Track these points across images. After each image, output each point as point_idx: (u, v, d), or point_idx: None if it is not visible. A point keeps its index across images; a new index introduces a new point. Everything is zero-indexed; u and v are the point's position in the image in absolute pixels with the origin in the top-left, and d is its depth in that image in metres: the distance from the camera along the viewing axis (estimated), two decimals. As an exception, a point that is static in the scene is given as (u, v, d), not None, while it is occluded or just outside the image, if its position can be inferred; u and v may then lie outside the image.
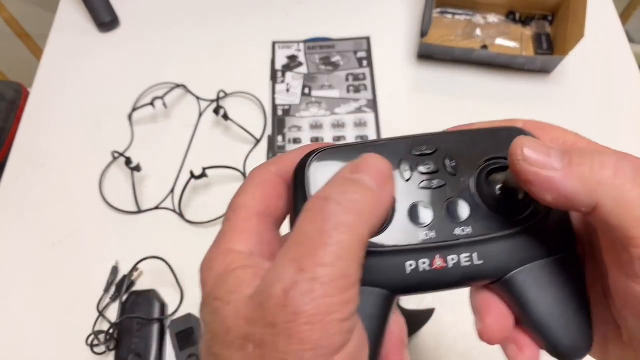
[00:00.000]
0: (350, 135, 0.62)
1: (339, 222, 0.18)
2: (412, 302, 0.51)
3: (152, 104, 0.63)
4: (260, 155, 0.62)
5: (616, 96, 0.65)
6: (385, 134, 0.62)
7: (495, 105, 0.64)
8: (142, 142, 0.63)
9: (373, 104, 0.65)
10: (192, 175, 0.56)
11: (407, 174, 0.22)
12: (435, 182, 0.22)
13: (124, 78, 0.68)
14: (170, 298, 0.53)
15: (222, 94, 0.65)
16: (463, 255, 0.21)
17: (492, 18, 0.70)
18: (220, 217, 0.56)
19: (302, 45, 0.70)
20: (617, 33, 0.70)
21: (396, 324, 0.22)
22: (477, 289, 0.23)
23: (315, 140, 0.62)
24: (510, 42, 0.68)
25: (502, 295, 0.22)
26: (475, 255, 0.21)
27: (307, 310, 0.16)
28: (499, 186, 0.22)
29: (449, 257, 0.21)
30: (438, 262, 0.21)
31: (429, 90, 0.66)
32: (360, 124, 0.63)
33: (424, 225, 0.21)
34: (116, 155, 0.61)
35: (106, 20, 0.72)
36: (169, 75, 0.67)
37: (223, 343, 0.18)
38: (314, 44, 0.70)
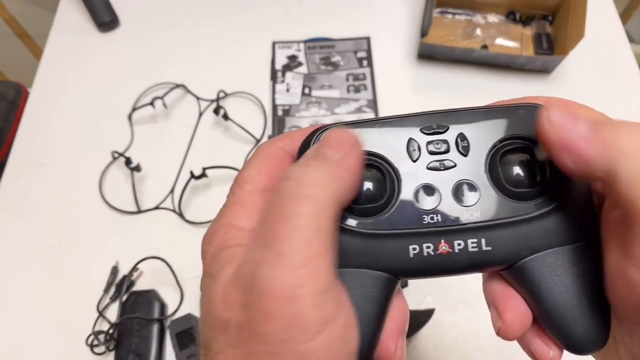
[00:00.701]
0: (350, 135, 0.62)
1: (298, 196, 0.18)
2: (412, 302, 0.51)
3: (152, 103, 0.63)
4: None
5: (616, 96, 0.64)
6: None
7: (496, 105, 0.64)
8: (142, 142, 0.63)
9: (373, 104, 0.65)
10: (192, 175, 0.56)
11: (415, 154, 0.21)
12: (444, 163, 0.21)
13: (123, 78, 0.68)
14: (170, 298, 0.53)
15: (222, 94, 0.65)
16: (470, 241, 0.20)
17: (492, 18, 0.70)
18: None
19: (302, 45, 0.70)
20: (617, 33, 0.69)
21: (397, 310, 0.22)
22: (490, 278, 0.22)
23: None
24: (510, 42, 0.68)
25: (514, 283, 0.21)
26: (483, 241, 0.20)
27: (276, 285, 0.16)
28: (513, 168, 0.21)
29: (455, 242, 0.20)
30: (443, 246, 0.20)
31: (429, 90, 0.66)
32: (360, 124, 0.63)
33: (430, 208, 0.20)
34: (116, 155, 0.61)
35: (106, 20, 0.72)
36: (168, 75, 0.67)
37: (209, 324, 0.18)
38: (314, 43, 0.70)
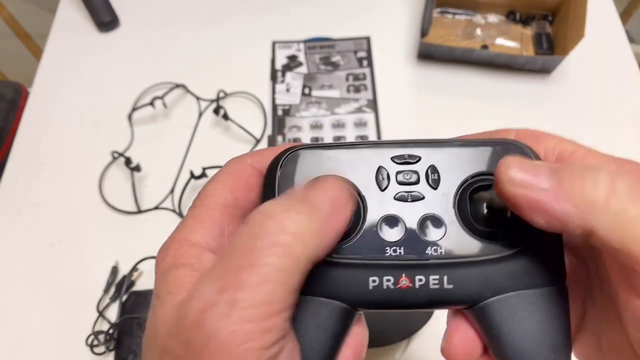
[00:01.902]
0: (350, 135, 0.62)
1: (273, 242, 0.16)
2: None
3: (151, 103, 0.63)
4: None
5: (616, 96, 0.64)
6: (385, 134, 0.62)
7: (496, 105, 0.64)
8: (142, 142, 0.63)
9: (373, 104, 0.65)
10: (192, 175, 0.56)
11: (383, 183, 0.20)
12: (412, 195, 0.20)
13: (123, 78, 0.68)
14: (170, 298, 0.53)
15: (222, 94, 0.65)
16: (432, 277, 0.19)
17: (493, 18, 0.70)
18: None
19: (302, 45, 0.70)
20: (617, 33, 0.69)
21: (355, 337, 0.21)
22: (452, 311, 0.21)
23: (315, 140, 0.62)
24: (510, 42, 0.68)
25: (474, 321, 0.20)
26: (445, 278, 0.19)
27: (221, 335, 0.15)
28: (483, 206, 0.20)
29: (417, 277, 0.19)
30: (404, 281, 0.19)
31: (429, 90, 0.66)
32: (360, 124, 0.63)
33: (393, 240, 0.20)
34: (116, 155, 0.61)
35: (106, 20, 0.72)
36: (168, 75, 0.67)
37: (148, 347, 0.17)
38: (314, 43, 0.70)
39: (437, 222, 0.20)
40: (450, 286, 0.19)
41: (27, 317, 0.53)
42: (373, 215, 0.20)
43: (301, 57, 0.69)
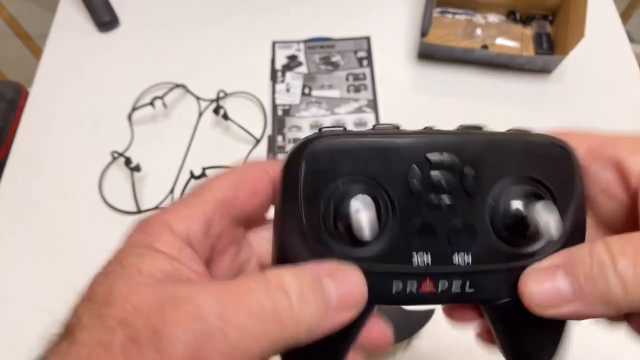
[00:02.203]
0: (350, 135, 0.62)
1: (276, 319, 0.16)
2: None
3: (151, 103, 0.63)
4: (260, 155, 0.61)
5: (617, 96, 0.64)
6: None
7: (496, 105, 0.64)
8: (142, 142, 0.63)
9: (373, 104, 0.64)
10: (192, 175, 0.56)
11: (415, 184, 0.19)
12: (444, 200, 0.19)
13: (123, 78, 0.68)
14: (170, 298, 0.53)
15: (221, 94, 0.65)
16: (455, 282, 0.19)
17: (493, 18, 0.70)
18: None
19: (302, 45, 0.70)
20: (617, 33, 0.69)
21: (371, 331, 0.21)
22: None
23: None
24: (510, 41, 0.68)
25: (485, 313, 0.21)
26: (467, 283, 0.19)
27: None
28: (516, 217, 0.19)
29: (440, 282, 0.19)
30: (427, 285, 0.19)
31: (429, 89, 0.66)
32: (360, 124, 0.63)
33: (421, 247, 0.19)
34: (116, 155, 0.61)
35: (106, 20, 0.72)
36: (168, 75, 0.67)
37: (96, 314, 0.16)
38: (314, 43, 0.70)
39: (468, 230, 0.19)
40: (471, 290, 0.19)
41: (27, 317, 0.53)
42: (403, 220, 0.19)
43: (301, 57, 0.69)
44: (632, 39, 0.70)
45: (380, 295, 0.19)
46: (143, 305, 0.16)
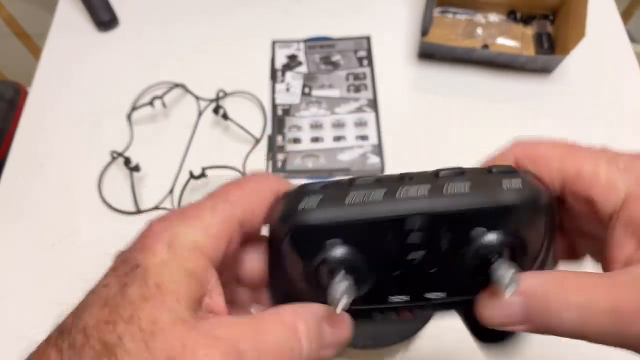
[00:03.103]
0: (351, 135, 0.62)
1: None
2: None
3: (151, 103, 0.63)
4: (260, 155, 0.61)
5: (617, 96, 0.64)
6: (386, 134, 0.62)
7: (496, 104, 0.64)
8: (141, 142, 0.63)
9: (373, 104, 0.64)
10: (192, 175, 0.56)
11: (392, 248, 0.21)
12: (419, 256, 0.21)
13: (123, 77, 0.68)
14: (170, 298, 0.53)
15: (221, 94, 0.65)
16: (432, 310, 0.23)
17: (493, 17, 0.70)
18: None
19: (302, 45, 0.70)
20: (618, 32, 0.69)
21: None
22: None
23: (315, 140, 0.62)
24: (511, 41, 0.68)
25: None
26: (444, 307, 0.23)
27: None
28: (485, 260, 0.20)
29: (417, 311, 0.23)
30: (406, 314, 0.23)
31: (429, 89, 0.66)
32: (360, 124, 0.63)
33: (399, 292, 0.22)
34: (115, 155, 0.60)
35: (105, 20, 0.71)
36: (168, 74, 0.67)
37: (137, 338, 0.17)
38: (314, 43, 0.70)
39: (441, 282, 0.21)
40: (451, 310, 0.23)
41: (26, 317, 0.53)
42: (379, 275, 0.21)
43: (301, 57, 0.69)
44: (632, 39, 0.70)
45: (362, 320, 0.22)
46: (190, 344, 0.17)
